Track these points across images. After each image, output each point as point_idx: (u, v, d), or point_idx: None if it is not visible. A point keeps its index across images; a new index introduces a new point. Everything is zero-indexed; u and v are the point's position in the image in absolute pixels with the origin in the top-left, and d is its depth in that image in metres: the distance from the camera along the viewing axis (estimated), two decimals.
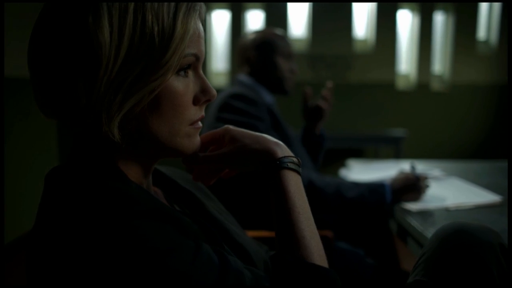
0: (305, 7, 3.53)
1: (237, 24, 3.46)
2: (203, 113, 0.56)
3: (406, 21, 3.68)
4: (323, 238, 1.24)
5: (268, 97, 1.46)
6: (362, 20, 3.66)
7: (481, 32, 3.67)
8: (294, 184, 0.57)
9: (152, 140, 0.52)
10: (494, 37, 3.64)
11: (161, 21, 0.47)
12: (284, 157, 0.58)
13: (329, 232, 1.28)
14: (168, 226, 0.45)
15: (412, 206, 1.19)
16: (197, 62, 0.53)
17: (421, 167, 1.66)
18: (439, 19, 3.67)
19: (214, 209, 0.66)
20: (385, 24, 3.56)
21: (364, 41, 3.65)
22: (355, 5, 3.53)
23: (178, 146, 0.54)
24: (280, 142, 0.61)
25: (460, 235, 0.58)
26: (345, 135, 3.35)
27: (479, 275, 0.54)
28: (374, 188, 1.24)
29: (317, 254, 0.52)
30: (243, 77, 1.46)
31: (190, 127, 0.54)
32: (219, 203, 0.74)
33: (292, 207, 0.55)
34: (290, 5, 3.49)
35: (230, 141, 0.60)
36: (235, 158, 0.60)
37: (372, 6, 3.55)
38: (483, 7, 3.63)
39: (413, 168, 1.28)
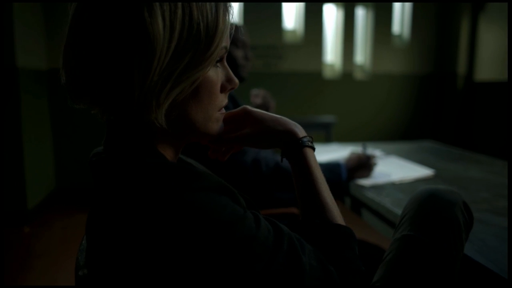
0: None
1: None
2: (227, 100, 0.63)
3: (331, 15, 3.94)
4: (291, 215, 1.37)
5: None
6: (291, 12, 3.85)
7: (396, 27, 4.07)
8: (314, 159, 0.66)
9: (188, 125, 0.57)
10: (406, 32, 4.07)
11: (205, 18, 0.53)
12: (304, 136, 0.66)
13: (295, 209, 1.41)
14: (227, 198, 0.50)
15: (365, 182, 1.36)
16: (225, 54, 0.60)
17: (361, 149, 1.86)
18: (360, 14, 3.99)
19: None
20: (313, 17, 3.79)
21: (293, 33, 3.85)
22: None
23: (209, 130, 0.60)
24: (297, 123, 0.68)
25: (434, 197, 0.74)
26: None
27: (451, 225, 0.70)
28: (332, 168, 1.40)
29: (339, 216, 0.62)
30: None
31: (218, 113, 0.61)
32: None
33: (316, 179, 0.63)
34: None
35: (253, 122, 0.66)
36: (259, 139, 0.66)
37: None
38: (397, 4, 4.03)
39: (364, 148, 1.45)
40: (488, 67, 3.73)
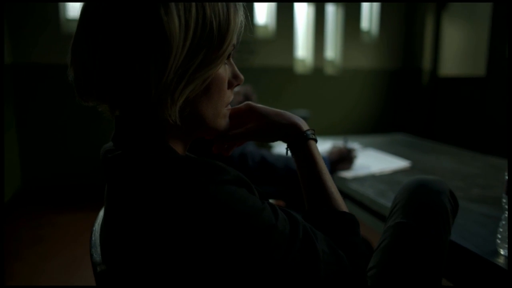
0: None
1: None
2: (233, 96, 0.64)
3: (302, 10, 4.00)
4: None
5: None
6: (263, 8, 3.87)
7: (365, 23, 4.18)
8: (317, 151, 0.68)
9: (199, 121, 0.59)
10: (375, 28, 4.19)
11: (218, 16, 0.54)
12: (308, 130, 0.69)
13: (281, 202, 1.45)
14: (245, 190, 0.52)
15: (347, 174, 1.41)
16: (233, 51, 0.61)
17: (342, 142, 1.92)
18: (330, 10, 4.07)
19: None
20: (284, 13, 3.83)
21: (265, 28, 3.87)
22: None
23: (217, 125, 0.62)
24: (299, 117, 0.70)
25: (424, 186, 0.79)
26: None
27: (440, 212, 0.76)
28: None
29: (343, 204, 0.66)
30: None
31: (225, 109, 0.63)
32: None
33: (320, 170, 0.66)
34: None
35: (257, 117, 0.68)
36: (264, 133, 0.68)
37: None
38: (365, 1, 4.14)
39: (345, 142, 1.51)
40: (450, 63, 3.90)
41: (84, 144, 3.37)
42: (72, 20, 3.24)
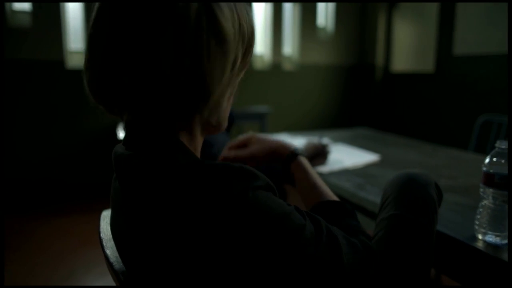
0: None
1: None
2: None
3: (260, 7, 4.02)
4: None
5: None
6: None
7: (321, 20, 4.29)
8: (308, 165, 0.84)
9: (218, 122, 0.61)
10: (330, 25, 4.31)
11: (246, 21, 0.57)
12: (295, 149, 0.86)
13: None
14: (272, 193, 0.54)
15: (322, 169, 1.46)
16: None
17: (316, 138, 1.97)
18: (288, 7, 4.13)
19: None
20: None
21: None
22: None
23: (222, 127, 0.64)
24: (286, 141, 0.89)
25: (412, 180, 0.84)
26: None
27: (428, 203, 0.81)
28: None
29: (337, 199, 0.73)
30: None
31: None
32: None
33: (314, 180, 0.80)
34: None
35: (257, 142, 0.88)
36: (262, 154, 0.87)
37: None
38: None
39: (320, 138, 1.55)
40: (401, 60, 4.11)
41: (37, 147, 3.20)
42: (20, 12, 3.04)
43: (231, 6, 0.54)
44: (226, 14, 0.52)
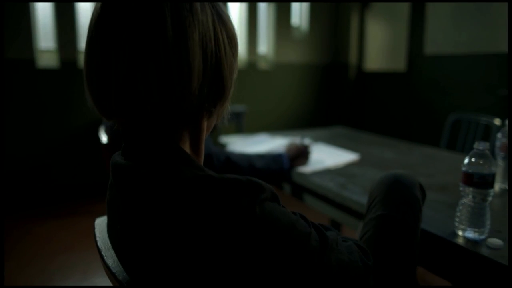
0: None
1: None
2: None
3: (235, 7, 4.02)
4: None
5: None
6: None
7: (295, 19, 4.33)
8: None
9: (210, 127, 0.64)
10: (305, 24, 4.36)
11: (232, 26, 0.60)
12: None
13: None
14: (277, 204, 0.54)
15: (305, 170, 1.49)
16: None
17: (298, 138, 2.00)
18: (262, 6, 4.15)
19: None
20: None
21: None
22: None
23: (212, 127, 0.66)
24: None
25: (398, 181, 0.88)
26: None
27: (414, 203, 0.85)
28: (276, 158, 1.49)
29: None
30: None
31: None
32: None
33: None
34: None
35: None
36: None
37: None
38: None
39: (302, 139, 1.58)
40: (374, 59, 4.22)
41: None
42: None
43: (224, 6, 0.58)
44: (228, 14, 0.56)
